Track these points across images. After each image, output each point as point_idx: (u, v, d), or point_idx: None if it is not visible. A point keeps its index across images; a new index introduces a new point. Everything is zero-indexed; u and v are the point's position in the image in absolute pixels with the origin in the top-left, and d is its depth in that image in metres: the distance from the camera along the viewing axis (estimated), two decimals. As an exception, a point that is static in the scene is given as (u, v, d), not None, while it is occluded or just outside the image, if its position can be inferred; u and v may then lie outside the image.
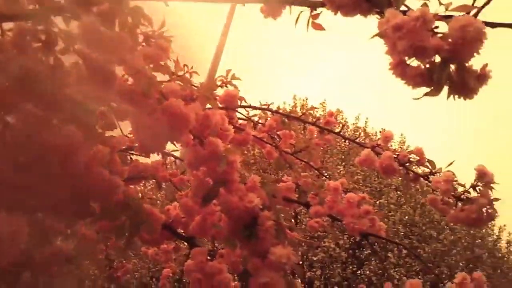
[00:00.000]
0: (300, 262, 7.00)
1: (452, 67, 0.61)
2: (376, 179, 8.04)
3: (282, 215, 1.05)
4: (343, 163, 8.11)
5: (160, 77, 1.05)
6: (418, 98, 0.62)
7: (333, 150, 8.16)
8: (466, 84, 0.60)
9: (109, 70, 0.91)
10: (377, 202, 7.30)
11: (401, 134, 9.38)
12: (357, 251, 6.88)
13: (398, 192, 7.79)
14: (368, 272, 6.41)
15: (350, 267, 6.63)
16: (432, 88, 0.61)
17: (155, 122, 0.90)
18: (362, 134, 8.81)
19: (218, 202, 0.99)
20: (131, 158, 1.33)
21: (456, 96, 0.61)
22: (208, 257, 1.11)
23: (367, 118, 9.44)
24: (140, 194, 1.27)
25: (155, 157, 1.43)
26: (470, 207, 1.35)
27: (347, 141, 8.67)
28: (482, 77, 0.63)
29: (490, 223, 7.40)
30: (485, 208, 1.36)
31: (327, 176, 1.90)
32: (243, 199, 0.93)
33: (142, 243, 1.28)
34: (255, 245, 0.95)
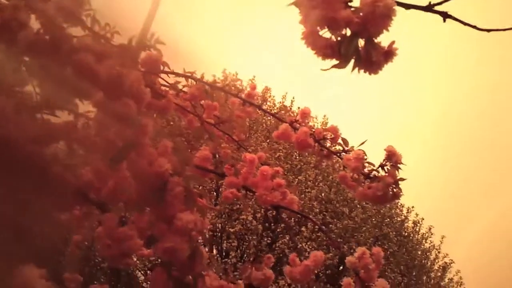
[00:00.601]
0: (218, 233, 7.09)
1: (362, 42, 0.62)
2: (297, 157, 8.26)
3: (194, 182, 1.05)
4: (268, 140, 8.23)
5: (76, 32, 0.99)
6: (325, 70, 0.64)
7: (258, 126, 8.26)
8: (371, 59, 0.62)
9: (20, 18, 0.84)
10: (297, 179, 7.52)
11: (324, 116, 9.69)
12: (273, 224, 7.08)
13: (316, 170, 8.07)
14: (281, 245, 6.63)
15: (265, 240, 6.82)
16: (339, 61, 0.62)
17: (64, 76, 0.85)
18: (288, 113, 8.97)
19: (129, 167, 0.97)
20: (42, 117, 1.25)
21: (362, 71, 0.63)
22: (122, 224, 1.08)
23: (293, 98, 9.62)
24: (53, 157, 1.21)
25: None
26: (377, 185, 1.42)
27: (273, 119, 8.83)
28: (388, 53, 0.65)
29: (399, 204, 7.88)
30: (391, 187, 1.44)
31: (250, 151, 1.92)
32: (153, 164, 0.92)
33: (53, 208, 1.22)
34: (163, 210, 0.94)
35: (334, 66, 0.63)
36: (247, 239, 6.84)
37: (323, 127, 1.54)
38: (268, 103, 9.34)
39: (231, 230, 6.72)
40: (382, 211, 8.97)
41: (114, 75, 0.85)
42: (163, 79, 1.64)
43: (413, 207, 10.14)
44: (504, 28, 0.79)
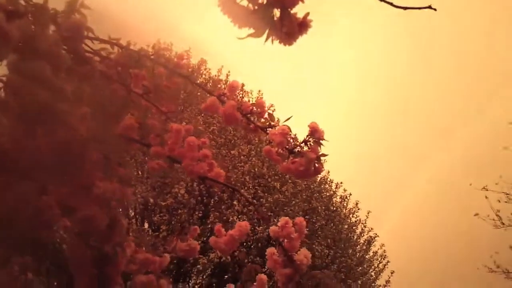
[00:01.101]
0: (150, 207, 7.01)
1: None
2: (231, 131, 8.28)
3: (116, 151, 1.03)
4: (202, 114, 8.17)
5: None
6: (242, 38, 0.64)
7: (193, 99, 8.16)
8: (285, 29, 0.63)
9: None
10: (230, 153, 7.56)
11: (259, 91, 9.75)
12: (205, 198, 7.10)
13: (250, 145, 8.15)
14: (213, 219, 6.68)
15: (197, 213, 6.84)
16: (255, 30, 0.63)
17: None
18: (223, 86, 8.92)
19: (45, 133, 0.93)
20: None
21: (277, 41, 0.64)
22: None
23: (228, 72, 9.58)
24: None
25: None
26: (300, 160, 1.46)
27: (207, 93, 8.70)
28: (303, 25, 0.66)
29: (328, 179, 8.13)
30: (313, 162, 1.49)
31: (185, 123, 1.89)
32: (71, 131, 0.89)
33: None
34: (81, 178, 0.92)
35: (250, 35, 0.63)
36: (179, 212, 6.83)
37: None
38: (204, 76, 9.24)
39: (163, 203, 6.67)
40: (312, 186, 9.25)
41: (27, 35, 0.81)
42: (87, 45, 1.58)
43: (341, 182, 10.55)
44: (419, 6, 0.83)
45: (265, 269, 1.66)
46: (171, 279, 6.78)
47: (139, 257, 1.36)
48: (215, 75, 9.45)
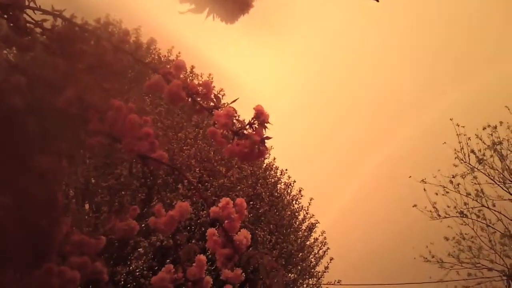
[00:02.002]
0: (92, 187, 6.84)
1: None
2: (179, 113, 8.19)
3: (53, 124, 1.00)
4: (150, 94, 8.02)
5: None
6: (182, 13, 0.64)
7: (141, 79, 7.98)
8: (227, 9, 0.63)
9: None
10: (176, 136, 7.48)
11: (209, 75, 9.68)
12: (148, 180, 7.01)
13: (197, 128, 8.10)
14: (156, 201, 6.61)
15: (140, 195, 6.75)
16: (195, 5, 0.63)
17: None
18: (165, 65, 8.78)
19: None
20: None
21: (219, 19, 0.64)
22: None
23: (179, 53, 9.44)
24: None
25: None
26: (244, 142, 1.47)
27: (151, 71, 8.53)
28: (243, 5, 0.66)
29: (274, 166, 8.22)
30: (257, 145, 1.50)
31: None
32: (4, 99, 0.85)
33: None
34: (15, 150, 0.89)
35: (190, 10, 0.63)
36: (121, 194, 6.71)
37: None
38: (153, 56, 9.05)
39: (104, 184, 6.52)
40: (257, 172, 9.34)
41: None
42: (29, 16, 1.51)
43: (286, 170, 10.71)
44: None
45: (208, 253, 1.67)
46: (111, 262, 6.67)
47: (74, 238, 1.33)
48: (164, 55, 9.28)
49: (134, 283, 6.82)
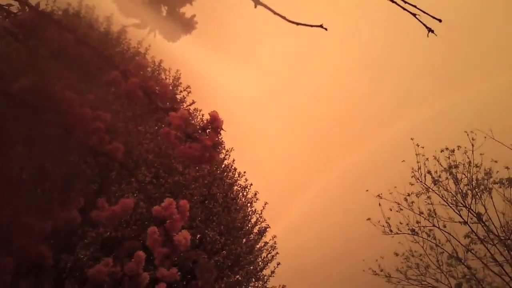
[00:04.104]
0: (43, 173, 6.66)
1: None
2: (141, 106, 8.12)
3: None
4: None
5: None
6: (126, 26, 0.67)
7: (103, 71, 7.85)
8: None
9: None
10: (137, 128, 7.42)
11: (177, 70, 9.64)
12: (103, 171, 6.92)
13: (159, 123, 8.05)
14: (108, 193, 6.54)
15: (93, 185, 6.64)
16: None
17: None
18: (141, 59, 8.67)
19: None
20: None
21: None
22: None
23: (149, 46, 9.33)
24: None
25: None
26: (196, 146, 1.51)
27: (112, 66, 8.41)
28: (189, 25, 0.71)
29: (233, 167, 8.23)
30: (209, 150, 1.55)
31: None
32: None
33: None
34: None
35: (134, 25, 0.67)
36: (74, 182, 6.57)
37: (175, 82, 1.57)
38: (122, 45, 8.92)
39: (57, 171, 6.38)
40: (215, 172, 9.34)
41: None
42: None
43: (244, 172, 10.75)
44: (311, 24, 0.92)
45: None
46: (57, 249, 6.53)
47: (21, 220, 1.34)
48: (134, 47, 9.16)
49: (78, 273, 6.71)
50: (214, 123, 1.57)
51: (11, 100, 1.32)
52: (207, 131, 1.58)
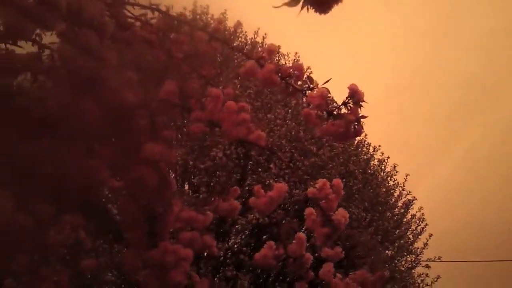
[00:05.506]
0: (190, 169, 7.18)
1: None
2: (268, 95, 8.27)
3: (159, 115, 1.07)
4: (239, 77, 8.17)
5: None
6: (277, 7, 0.65)
7: (229, 63, 8.15)
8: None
9: None
10: (266, 117, 7.58)
11: (296, 53, 9.63)
12: (242, 161, 7.20)
13: (286, 108, 8.13)
14: (250, 181, 6.79)
15: (235, 176, 6.96)
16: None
17: (26, 5, 0.84)
18: (260, 49, 8.84)
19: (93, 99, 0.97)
20: (6, 47, 1.22)
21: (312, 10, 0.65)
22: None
23: (265, 34, 9.47)
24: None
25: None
26: (339, 122, 1.47)
27: (245, 56, 8.67)
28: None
29: (366, 142, 8.05)
30: (353, 124, 1.49)
31: (221, 88, 1.92)
32: (117, 95, 0.93)
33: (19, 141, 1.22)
34: (129, 141, 0.97)
35: (285, 4, 0.64)
36: (217, 175, 6.97)
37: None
38: (240, 39, 9.17)
39: (202, 166, 6.81)
40: (349, 149, 9.18)
41: (74, 4, 0.84)
42: (129, 11, 1.61)
43: (379, 146, 10.40)
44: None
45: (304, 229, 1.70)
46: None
47: (183, 215, 1.42)
48: (251, 38, 9.36)
49: (233, 259, 7.10)
50: (355, 96, 1.51)
51: (161, 104, 1.40)
52: (348, 105, 1.53)
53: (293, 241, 1.48)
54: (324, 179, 1.44)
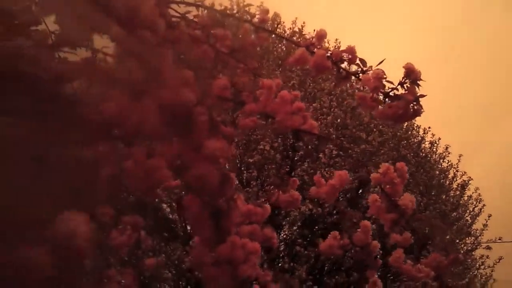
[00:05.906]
0: (238, 164, 7.22)
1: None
2: (310, 84, 8.18)
3: (216, 111, 1.06)
4: (280, 68, 8.13)
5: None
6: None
7: (269, 55, 8.12)
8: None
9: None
10: (311, 106, 7.50)
11: (336, 39, 9.45)
12: (290, 153, 7.17)
13: (331, 96, 8.01)
14: (300, 172, 6.75)
15: (284, 168, 6.94)
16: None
17: (79, 12, 0.84)
18: (298, 38, 8.75)
19: (152, 99, 0.97)
20: (59, 56, 1.25)
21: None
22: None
23: (303, 22, 9.35)
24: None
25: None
26: (397, 103, 1.41)
27: (284, 47, 8.65)
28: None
29: (415, 125, 7.83)
30: (411, 105, 1.44)
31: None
32: (177, 94, 0.93)
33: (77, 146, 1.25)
34: (189, 139, 0.96)
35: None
36: (266, 168, 6.96)
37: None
38: (279, 30, 9.10)
39: (250, 160, 6.83)
40: (398, 133, 8.95)
41: (130, 6, 0.84)
42: (173, 9, 1.61)
43: (429, 127, 10.07)
44: None
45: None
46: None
47: (242, 209, 1.42)
48: (290, 28, 9.27)
49: (287, 250, 7.10)
50: (412, 76, 1.45)
51: (217, 100, 1.39)
52: (405, 85, 1.47)
53: (358, 229, 1.45)
54: (387, 163, 1.39)
